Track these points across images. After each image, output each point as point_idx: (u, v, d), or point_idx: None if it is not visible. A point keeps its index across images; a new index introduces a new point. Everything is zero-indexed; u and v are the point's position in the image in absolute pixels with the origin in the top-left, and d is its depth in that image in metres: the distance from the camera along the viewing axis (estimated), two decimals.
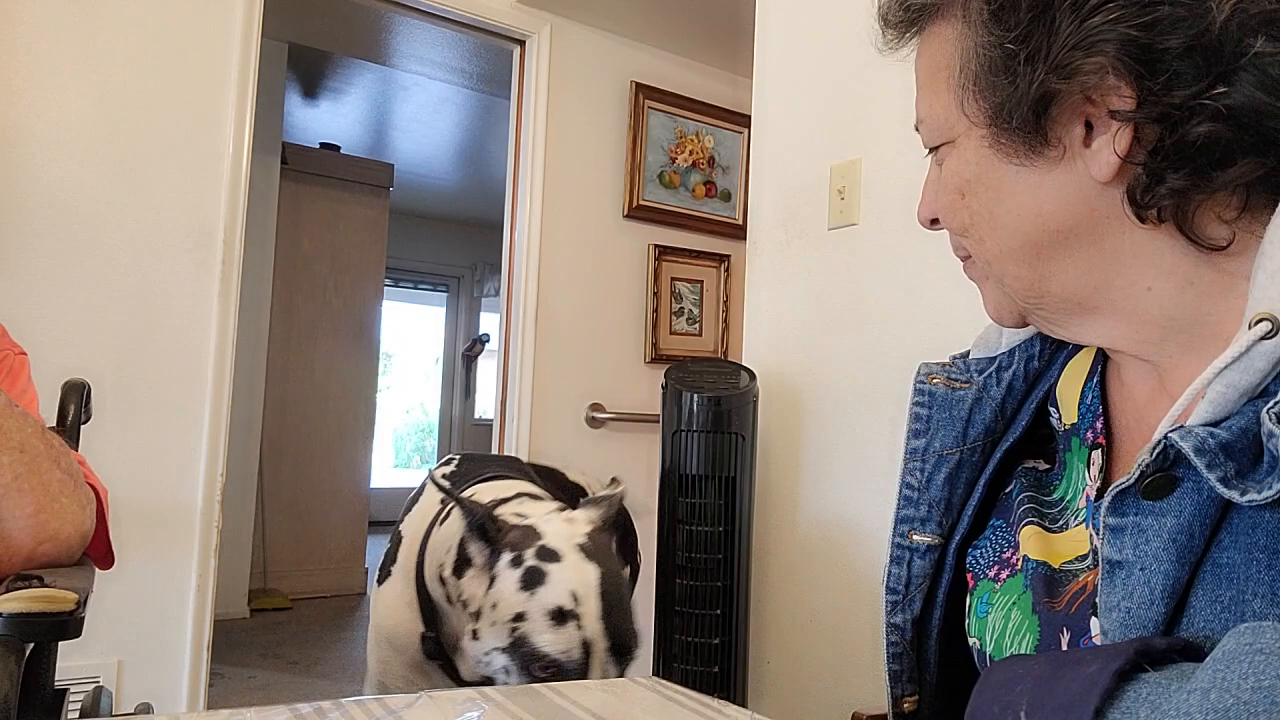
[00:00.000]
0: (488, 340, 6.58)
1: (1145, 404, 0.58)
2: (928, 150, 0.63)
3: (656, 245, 3.29)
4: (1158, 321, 0.54)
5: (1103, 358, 0.64)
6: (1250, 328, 0.46)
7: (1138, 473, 0.48)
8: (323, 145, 4.82)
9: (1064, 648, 0.54)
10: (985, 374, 0.69)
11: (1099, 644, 0.50)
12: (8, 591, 0.85)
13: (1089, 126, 0.53)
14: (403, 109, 4.54)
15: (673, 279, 3.35)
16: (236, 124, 2.35)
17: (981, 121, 0.56)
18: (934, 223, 0.65)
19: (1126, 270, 0.54)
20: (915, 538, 0.69)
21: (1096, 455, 0.60)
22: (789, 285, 1.95)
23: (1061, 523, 0.62)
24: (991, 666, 0.50)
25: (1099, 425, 0.61)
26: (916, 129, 0.64)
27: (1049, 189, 0.55)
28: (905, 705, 0.71)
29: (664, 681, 0.58)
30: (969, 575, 0.68)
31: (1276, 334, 0.45)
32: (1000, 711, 0.44)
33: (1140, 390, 0.59)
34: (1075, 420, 0.64)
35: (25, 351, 1.20)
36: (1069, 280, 0.56)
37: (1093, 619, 0.51)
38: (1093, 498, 0.59)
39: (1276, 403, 0.44)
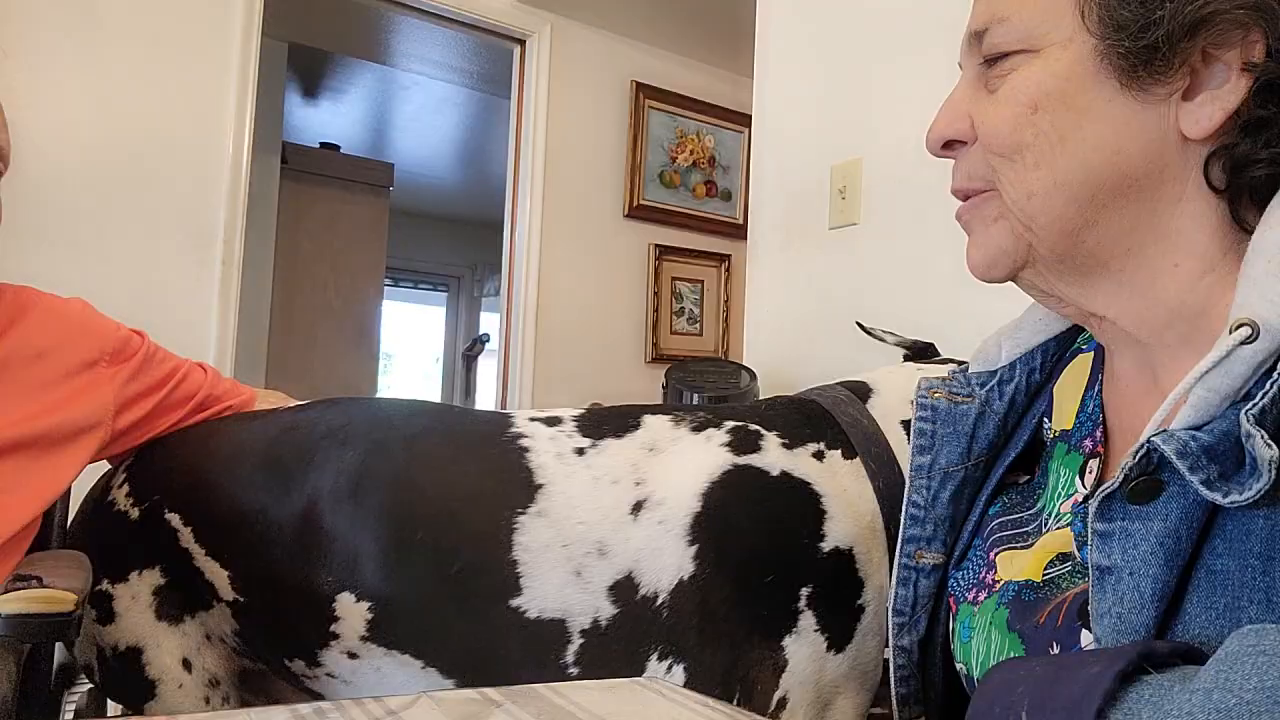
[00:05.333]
0: (488, 340, 6.55)
1: (1139, 400, 0.58)
2: (984, 59, 0.56)
3: (657, 245, 3.29)
4: (1168, 304, 0.54)
5: (1100, 365, 0.63)
6: (1231, 332, 0.46)
7: (1122, 476, 0.48)
8: (323, 145, 4.81)
9: None
10: (987, 388, 0.67)
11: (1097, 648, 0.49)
12: (7, 592, 0.85)
13: (1192, 74, 0.50)
14: (403, 109, 4.53)
15: (673, 279, 3.35)
16: (236, 124, 2.34)
17: (1098, 30, 0.51)
18: (946, 147, 0.59)
19: (1164, 240, 0.53)
20: (922, 558, 0.68)
21: (1094, 464, 0.59)
22: (789, 285, 1.94)
23: (1035, 537, 0.61)
24: (992, 668, 0.50)
25: (1098, 434, 0.60)
26: (973, 37, 0.57)
27: (1136, 127, 0.51)
28: None
29: (664, 682, 0.57)
30: (950, 599, 0.67)
31: (1256, 339, 0.45)
32: (1001, 712, 0.44)
33: (1134, 386, 0.59)
34: (1069, 427, 0.63)
35: (140, 331, 1.13)
36: (1108, 234, 0.53)
37: (1083, 631, 0.51)
38: (1080, 502, 0.59)
39: (1255, 404, 0.44)
